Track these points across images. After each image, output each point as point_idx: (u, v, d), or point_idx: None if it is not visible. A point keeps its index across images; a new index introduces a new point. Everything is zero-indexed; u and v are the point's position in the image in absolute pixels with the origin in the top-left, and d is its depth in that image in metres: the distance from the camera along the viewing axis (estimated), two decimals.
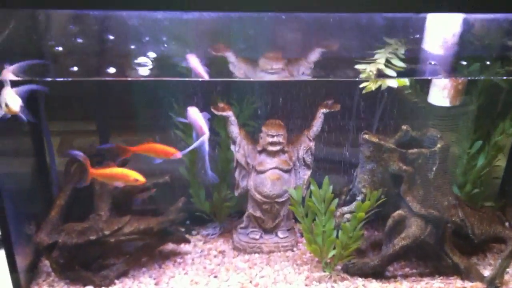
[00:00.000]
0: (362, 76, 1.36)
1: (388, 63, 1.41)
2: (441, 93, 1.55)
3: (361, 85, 1.39)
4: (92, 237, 1.53)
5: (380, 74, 1.39)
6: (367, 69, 1.36)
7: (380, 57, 1.42)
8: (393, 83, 1.39)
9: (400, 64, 1.41)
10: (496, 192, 1.91)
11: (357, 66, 1.38)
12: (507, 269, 1.73)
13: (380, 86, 1.41)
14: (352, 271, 1.68)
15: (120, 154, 1.57)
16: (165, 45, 1.51)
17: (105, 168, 1.52)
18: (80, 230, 1.54)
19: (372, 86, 1.38)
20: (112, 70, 1.39)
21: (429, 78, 1.54)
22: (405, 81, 1.43)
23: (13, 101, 1.31)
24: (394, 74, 1.37)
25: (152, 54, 1.43)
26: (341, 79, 1.46)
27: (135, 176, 1.52)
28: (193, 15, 1.41)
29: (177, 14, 1.40)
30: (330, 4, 1.21)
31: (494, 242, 1.76)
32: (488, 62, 1.49)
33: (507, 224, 1.91)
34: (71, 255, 1.55)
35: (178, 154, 1.52)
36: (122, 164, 1.61)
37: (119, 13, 1.39)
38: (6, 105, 1.31)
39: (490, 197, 1.89)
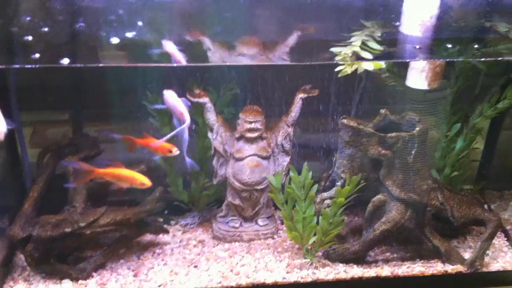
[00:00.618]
0: (337, 59, 1.34)
1: (364, 45, 1.39)
2: (419, 75, 1.53)
3: (337, 69, 1.37)
4: (67, 230, 1.50)
5: (356, 57, 1.37)
6: (342, 51, 1.34)
7: (356, 40, 1.40)
8: (369, 66, 1.37)
9: (377, 46, 1.39)
10: (474, 175, 1.91)
11: (333, 49, 1.36)
12: (487, 251, 1.75)
13: (356, 70, 1.39)
14: (333, 257, 1.67)
15: (127, 146, 1.52)
16: (139, 30, 1.47)
17: (112, 168, 1.49)
18: (54, 223, 1.50)
19: (347, 69, 1.36)
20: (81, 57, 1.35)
21: (406, 61, 1.52)
22: (381, 64, 1.41)
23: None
24: (370, 56, 1.35)
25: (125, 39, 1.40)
26: (316, 62, 1.44)
27: (142, 179, 1.50)
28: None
29: None
30: None
31: (474, 225, 1.76)
32: (465, 44, 1.48)
33: (485, 206, 1.93)
34: (46, 248, 1.51)
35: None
36: (94, 155, 1.58)
37: None
38: None
39: (469, 180, 1.90)
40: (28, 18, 1.42)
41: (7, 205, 1.63)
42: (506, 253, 1.76)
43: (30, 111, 1.73)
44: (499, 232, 1.83)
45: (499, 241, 1.81)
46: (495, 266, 1.70)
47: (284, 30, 1.53)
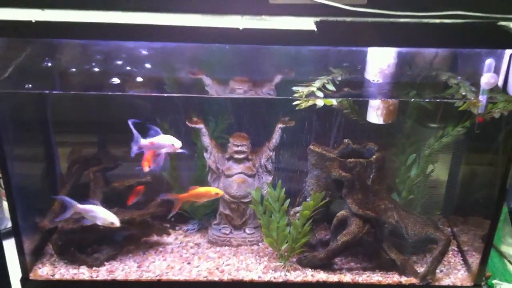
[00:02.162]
0: (295, 95, 1.67)
1: (323, 87, 1.71)
2: (375, 112, 1.84)
3: (294, 103, 1.70)
4: (85, 224, 1.88)
5: (313, 95, 1.69)
6: (300, 90, 1.68)
7: (317, 82, 1.72)
8: (320, 102, 1.70)
9: (332, 88, 1.70)
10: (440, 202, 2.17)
11: (294, 88, 1.69)
12: (442, 268, 2.00)
13: (315, 105, 1.71)
14: (304, 263, 1.97)
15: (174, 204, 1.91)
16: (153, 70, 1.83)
17: (191, 191, 1.90)
18: (76, 218, 1.89)
19: (303, 104, 1.69)
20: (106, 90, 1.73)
21: (352, 99, 1.82)
22: (332, 101, 1.73)
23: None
24: (321, 95, 1.68)
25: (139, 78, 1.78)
26: (280, 97, 1.77)
27: (215, 191, 1.91)
28: (178, 45, 1.72)
29: (165, 44, 1.72)
30: (292, 40, 1.48)
31: (430, 243, 2.02)
32: (416, 88, 1.77)
33: (449, 229, 2.19)
34: (68, 239, 1.90)
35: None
36: (112, 168, 1.97)
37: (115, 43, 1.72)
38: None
39: (438, 207, 2.16)
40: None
41: (44, 205, 2.03)
42: (459, 270, 2.00)
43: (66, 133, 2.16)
44: (456, 252, 2.09)
45: (455, 259, 2.06)
46: (446, 281, 1.93)
47: (272, 73, 1.81)
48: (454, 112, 1.78)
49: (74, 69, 1.73)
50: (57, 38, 1.58)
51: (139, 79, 1.74)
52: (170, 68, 1.77)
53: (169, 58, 1.76)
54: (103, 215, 1.81)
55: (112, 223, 1.82)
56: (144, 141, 1.76)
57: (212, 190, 1.92)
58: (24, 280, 1.88)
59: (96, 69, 1.73)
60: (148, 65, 1.75)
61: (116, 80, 1.70)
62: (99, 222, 1.82)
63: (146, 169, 1.83)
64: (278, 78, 1.81)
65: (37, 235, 1.97)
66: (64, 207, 1.80)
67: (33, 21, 1.34)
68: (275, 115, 2.00)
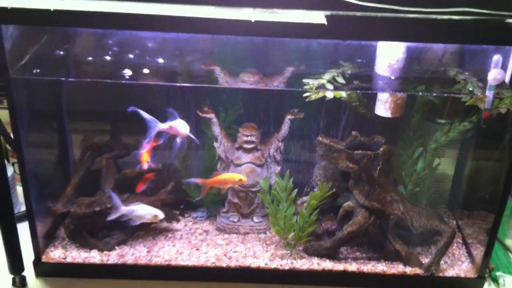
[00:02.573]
0: (305, 87, 1.71)
1: (332, 79, 1.75)
2: (383, 106, 1.87)
3: (304, 95, 1.73)
4: (97, 209, 1.92)
5: (323, 87, 1.72)
6: (310, 82, 1.71)
7: (327, 75, 1.75)
8: (330, 94, 1.73)
9: (342, 81, 1.73)
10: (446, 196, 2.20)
11: (304, 80, 1.73)
12: (446, 259, 2.03)
13: (325, 97, 1.75)
14: (310, 252, 2.01)
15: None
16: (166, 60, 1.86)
17: (216, 177, 1.97)
18: (87, 203, 1.94)
19: (312, 96, 1.72)
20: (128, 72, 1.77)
21: (361, 91, 1.86)
22: (341, 93, 1.76)
23: None
24: (331, 87, 1.71)
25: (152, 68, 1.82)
26: (289, 89, 1.80)
27: (239, 177, 1.96)
28: (191, 36, 1.73)
29: (179, 35, 1.73)
30: (303, 33, 1.48)
31: (435, 235, 2.05)
32: (424, 83, 1.80)
33: (454, 222, 2.22)
34: (80, 223, 1.94)
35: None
36: (124, 155, 2.02)
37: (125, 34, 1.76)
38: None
39: (443, 201, 2.20)
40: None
41: (57, 190, 2.08)
42: (463, 262, 2.03)
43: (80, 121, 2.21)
44: (461, 244, 2.13)
45: (460, 251, 2.09)
46: (450, 272, 1.97)
47: (283, 66, 1.84)
48: (461, 107, 1.81)
49: (88, 58, 1.77)
50: (74, 27, 1.62)
51: (151, 69, 1.78)
52: (183, 59, 1.80)
53: (182, 49, 1.80)
54: (146, 211, 1.88)
55: (155, 216, 1.89)
56: (163, 125, 1.82)
57: (236, 176, 1.97)
58: (37, 262, 1.93)
59: (110, 59, 1.77)
60: (161, 56, 1.79)
61: (128, 72, 1.74)
62: (145, 220, 1.90)
63: (145, 165, 1.89)
64: (288, 71, 1.83)
65: (49, 219, 2.02)
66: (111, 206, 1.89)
67: (52, 9, 1.38)
68: (284, 107, 2.03)
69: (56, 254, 1.97)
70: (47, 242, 2.01)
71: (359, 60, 1.78)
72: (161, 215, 1.90)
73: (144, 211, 1.88)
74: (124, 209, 1.86)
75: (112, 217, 1.86)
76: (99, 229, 2.03)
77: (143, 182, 2.04)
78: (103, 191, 1.99)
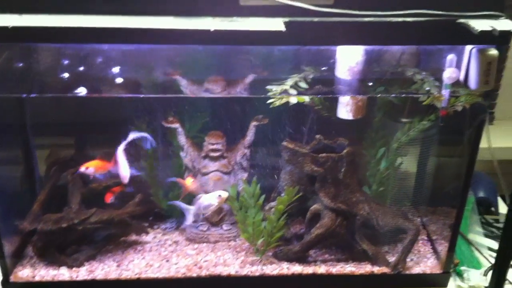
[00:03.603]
0: (269, 94, 1.73)
1: (295, 85, 1.77)
2: (345, 108, 1.91)
3: (268, 101, 1.76)
4: (64, 225, 1.90)
5: (286, 93, 1.75)
6: (273, 89, 1.73)
7: (290, 80, 1.78)
8: (294, 99, 1.76)
9: (304, 86, 1.76)
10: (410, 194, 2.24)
11: (268, 87, 1.75)
12: (412, 256, 2.08)
13: (288, 103, 1.77)
14: (280, 257, 2.03)
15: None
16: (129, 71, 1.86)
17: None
18: (54, 219, 1.92)
19: (276, 102, 1.75)
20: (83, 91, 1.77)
21: (323, 96, 1.89)
22: (304, 98, 1.79)
23: None
24: (294, 93, 1.74)
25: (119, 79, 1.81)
26: (253, 96, 1.83)
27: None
28: (152, 47, 1.74)
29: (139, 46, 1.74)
30: (262, 40, 1.50)
31: (400, 233, 2.09)
32: (384, 84, 1.84)
33: (419, 219, 2.27)
34: (48, 240, 1.92)
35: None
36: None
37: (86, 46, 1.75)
38: None
39: (408, 198, 2.24)
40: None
41: (23, 207, 2.05)
42: (429, 259, 2.08)
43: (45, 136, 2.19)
44: (426, 241, 2.17)
45: (425, 248, 2.14)
46: (416, 269, 2.01)
47: (244, 72, 1.85)
48: (420, 106, 1.85)
49: (50, 73, 1.76)
50: (34, 43, 1.61)
51: (116, 80, 1.78)
52: (145, 70, 1.81)
53: (144, 60, 1.80)
54: (209, 199, 1.92)
55: (220, 196, 1.91)
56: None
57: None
58: (5, 282, 1.90)
59: (72, 72, 1.76)
60: (123, 68, 1.79)
61: (83, 90, 1.73)
62: (214, 207, 1.93)
63: (110, 200, 1.95)
64: (251, 77, 1.85)
65: (17, 237, 1.99)
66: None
67: (9, 27, 1.37)
68: (249, 113, 2.06)
69: (24, 273, 1.94)
70: (15, 261, 1.98)
71: (317, 64, 1.81)
72: (224, 193, 1.91)
73: (208, 200, 1.90)
74: (192, 209, 1.90)
75: (189, 222, 1.92)
76: (67, 245, 2.00)
77: (111, 193, 2.03)
78: (70, 207, 1.97)
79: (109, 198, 1.99)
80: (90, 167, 1.93)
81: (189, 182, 2.00)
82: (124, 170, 1.92)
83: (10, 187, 2.05)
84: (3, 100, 1.86)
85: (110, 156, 1.97)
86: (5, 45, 1.67)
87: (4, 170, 1.99)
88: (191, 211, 1.90)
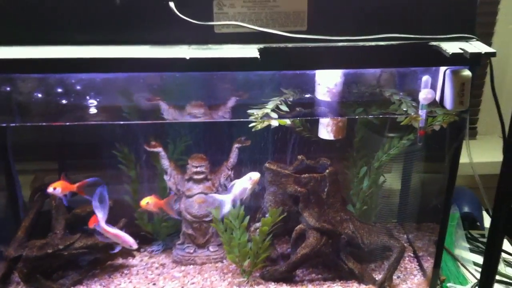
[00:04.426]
0: (250, 118, 1.75)
1: (276, 108, 1.79)
2: (325, 129, 1.93)
3: (250, 125, 1.77)
4: (49, 251, 1.91)
5: (268, 117, 1.77)
6: (255, 112, 1.75)
7: (271, 104, 1.80)
8: (275, 122, 1.78)
9: (285, 108, 1.77)
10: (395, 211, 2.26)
11: (249, 111, 1.76)
12: (399, 274, 2.09)
13: (269, 125, 1.79)
14: (267, 277, 2.04)
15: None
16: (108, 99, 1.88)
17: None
18: (39, 245, 1.92)
19: (258, 126, 1.77)
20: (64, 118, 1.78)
21: (304, 118, 1.91)
22: (286, 121, 1.81)
23: None
24: (276, 116, 1.76)
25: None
26: (235, 119, 1.84)
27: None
28: (131, 75, 1.74)
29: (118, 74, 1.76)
30: (237, 66, 1.51)
31: (386, 251, 2.10)
32: (363, 105, 1.86)
33: (405, 236, 2.28)
34: (33, 266, 1.92)
35: None
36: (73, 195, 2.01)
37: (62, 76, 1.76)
38: None
39: (392, 215, 2.25)
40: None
41: (8, 233, 2.06)
42: (415, 276, 2.09)
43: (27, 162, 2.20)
44: (412, 257, 2.18)
45: (411, 265, 2.15)
46: (403, 287, 2.01)
47: (226, 96, 1.87)
48: (399, 126, 1.87)
49: (30, 101, 1.77)
50: (12, 73, 1.63)
51: (96, 108, 1.80)
52: (126, 97, 1.82)
53: (124, 88, 1.82)
54: (243, 183, 1.89)
55: (251, 179, 1.89)
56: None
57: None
58: None
59: (53, 101, 1.78)
60: (103, 95, 1.80)
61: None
62: (250, 190, 1.90)
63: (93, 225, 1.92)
64: (232, 101, 1.87)
65: (2, 264, 2.00)
66: None
67: None
68: (231, 136, 2.07)
69: None
70: (1, 287, 1.98)
71: (297, 87, 1.82)
72: (255, 174, 1.88)
73: (242, 185, 1.87)
74: (228, 197, 1.87)
75: (226, 210, 1.89)
76: (53, 271, 2.01)
77: (95, 218, 2.03)
78: (55, 232, 1.98)
79: (93, 224, 1.99)
80: (57, 187, 1.92)
81: (144, 203, 1.99)
82: (126, 238, 1.92)
83: None
84: None
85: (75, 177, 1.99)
86: None
87: None
88: (228, 199, 1.87)
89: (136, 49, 1.50)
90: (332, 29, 1.50)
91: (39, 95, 1.79)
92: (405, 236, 2.28)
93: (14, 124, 1.84)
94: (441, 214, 1.89)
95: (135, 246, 1.92)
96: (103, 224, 1.88)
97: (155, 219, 2.16)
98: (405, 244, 2.09)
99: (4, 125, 1.84)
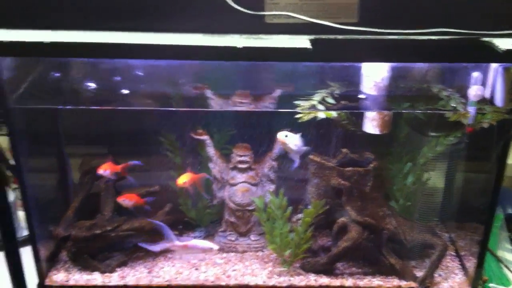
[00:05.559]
0: (297, 109, 1.77)
1: (322, 100, 1.81)
2: (371, 123, 1.93)
3: (296, 116, 1.79)
4: (97, 231, 1.98)
5: (315, 108, 1.78)
6: (301, 104, 1.77)
7: (317, 96, 1.81)
8: (322, 115, 1.79)
9: (331, 101, 1.79)
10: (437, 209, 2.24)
11: (295, 102, 1.78)
12: (440, 272, 2.07)
13: (316, 117, 1.80)
14: (307, 268, 2.06)
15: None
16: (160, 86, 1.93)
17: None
18: (88, 226, 1.99)
19: (304, 117, 1.78)
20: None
21: (349, 111, 1.91)
22: (332, 113, 1.82)
23: None
24: (323, 108, 1.77)
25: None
26: (282, 110, 1.87)
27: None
28: (181, 63, 1.77)
29: (169, 62, 1.77)
30: (288, 56, 1.52)
31: (428, 249, 2.09)
32: (410, 100, 1.85)
33: (446, 235, 2.26)
34: (81, 246, 2.00)
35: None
36: (120, 178, 2.07)
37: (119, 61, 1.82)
38: None
39: (435, 213, 2.24)
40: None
41: (57, 214, 2.13)
42: (457, 274, 2.07)
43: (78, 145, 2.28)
44: (454, 256, 2.17)
45: (453, 264, 2.13)
46: (444, 285, 2.01)
47: (271, 87, 1.92)
48: (447, 122, 1.86)
49: (81, 85, 1.83)
50: (67, 57, 1.69)
51: (145, 94, 1.85)
52: (175, 84, 1.87)
53: (174, 75, 1.86)
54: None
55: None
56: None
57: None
58: (40, 286, 1.98)
59: (104, 85, 1.84)
60: (153, 82, 1.86)
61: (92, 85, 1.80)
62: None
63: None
64: (278, 92, 1.90)
65: (51, 243, 2.08)
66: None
67: (45, 42, 1.45)
68: (276, 126, 2.09)
69: (59, 277, 2.02)
70: (49, 265, 2.06)
71: (343, 79, 1.83)
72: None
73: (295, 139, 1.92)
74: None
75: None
76: (99, 251, 2.07)
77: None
78: (103, 214, 2.04)
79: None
80: (107, 169, 2.00)
81: (181, 181, 2.01)
82: (202, 244, 1.96)
83: (45, 194, 2.13)
84: (39, 111, 1.93)
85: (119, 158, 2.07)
86: (39, 59, 1.75)
87: (40, 178, 2.07)
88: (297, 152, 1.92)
89: (189, 37, 1.53)
90: (383, 22, 1.50)
91: (89, 80, 1.85)
92: (447, 234, 2.25)
93: (69, 107, 1.89)
94: (486, 214, 1.87)
95: (216, 247, 1.95)
96: (177, 242, 1.93)
97: (199, 205, 2.20)
98: (447, 243, 2.07)
99: (60, 107, 1.90)
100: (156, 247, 1.93)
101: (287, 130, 2.02)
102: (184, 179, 2.00)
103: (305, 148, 1.95)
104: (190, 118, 2.09)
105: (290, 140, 1.92)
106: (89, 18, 1.59)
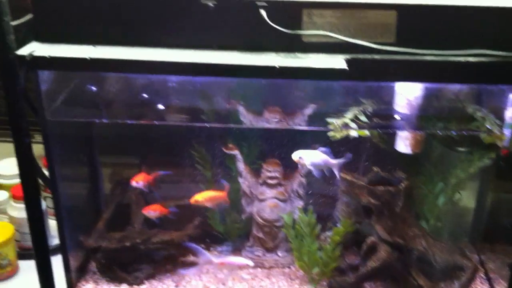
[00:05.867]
0: (329, 127, 1.77)
1: (355, 118, 1.80)
2: (403, 142, 1.92)
3: (328, 133, 1.79)
4: (127, 244, 2.00)
5: (347, 126, 1.78)
6: (334, 121, 1.77)
7: (350, 113, 1.81)
8: (355, 133, 1.79)
9: (364, 119, 1.79)
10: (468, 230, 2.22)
11: (328, 120, 1.79)
12: None
13: (348, 135, 1.80)
14: (334, 287, 2.05)
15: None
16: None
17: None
18: (118, 238, 2.01)
19: (337, 135, 1.78)
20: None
21: (382, 131, 1.90)
22: (365, 132, 1.81)
23: None
24: (355, 126, 1.77)
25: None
26: (311, 128, 1.87)
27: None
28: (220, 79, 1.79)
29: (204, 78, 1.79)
30: (325, 75, 1.53)
31: (457, 270, 2.06)
32: (442, 120, 1.84)
33: (476, 256, 2.23)
34: (111, 258, 2.02)
35: None
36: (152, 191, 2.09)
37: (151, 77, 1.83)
38: None
39: (465, 234, 2.22)
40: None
41: (88, 223, 2.15)
42: None
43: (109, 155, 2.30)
44: (484, 279, 2.14)
45: (482, 286, 2.11)
46: None
47: (303, 104, 1.91)
48: (481, 143, 1.84)
49: (116, 100, 1.85)
50: (106, 72, 1.71)
51: (178, 109, 1.87)
52: (208, 100, 1.89)
53: (207, 91, 1.88)
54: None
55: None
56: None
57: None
58: None
59: (138, 100, 1.86)
60: (186, 97, 1.87)
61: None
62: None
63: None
64: (309, 109, 1.90)
65: (81, 253, 2.10)
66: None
67: (88, 58, 1.48)
68: (306, 143, 2.09)
69: (88, 287, 2.03)
70: (79, 275, 2.08)
71: (378, 97, 1.83)
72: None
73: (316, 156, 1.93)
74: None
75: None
76: (128, 263, 2.09)
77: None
78: (133, 226, 2.06)
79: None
80: (140, 181, 2.02)
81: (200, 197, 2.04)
82: (238, 260, 2.01)
83: (77, 204, 2.15)
84: (74, 123, 1.96)
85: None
86: (76, 74, 1.78)
87: (71, 187, 2.09)
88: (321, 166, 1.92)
89: (226, 54, 1.55)
90: (420, 42, 1.50)
91: (123, 94, 1.88)
92: (477, 256, 2.23)
93: (105, 121, 1.92)
94: None
95: (251, 264, 1.99)
96: (216, 260, 1.97)
97: (228, 220, 2.20)
98: (478, 265, 2.05)
99: (97, 121, 1.92)
100: (195, 270, 2.01)
101: (315, 146, 2.03)
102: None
103: (330, 160, 1.93)
104: (221, 133, 2.10)
105: (306, 158, 1.92)
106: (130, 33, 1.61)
